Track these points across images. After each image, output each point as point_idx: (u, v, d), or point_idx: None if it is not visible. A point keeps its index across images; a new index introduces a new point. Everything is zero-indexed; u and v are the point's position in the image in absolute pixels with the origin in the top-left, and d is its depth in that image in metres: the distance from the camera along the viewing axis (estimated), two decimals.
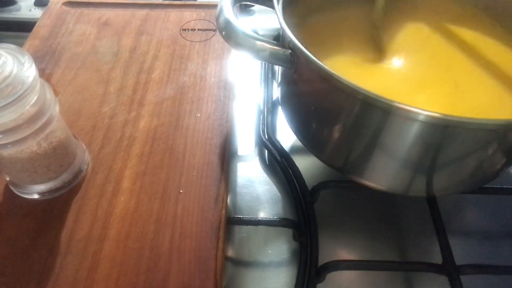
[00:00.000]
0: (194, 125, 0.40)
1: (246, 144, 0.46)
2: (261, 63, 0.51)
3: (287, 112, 0.39)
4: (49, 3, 0.53)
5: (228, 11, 0.33)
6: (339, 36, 0.40)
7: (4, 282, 0.30)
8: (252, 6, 0.61)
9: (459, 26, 0.42)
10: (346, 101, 0.29)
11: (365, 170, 0.33)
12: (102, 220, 0.33)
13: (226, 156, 0.38)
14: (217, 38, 0.49)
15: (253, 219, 0.37)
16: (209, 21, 0.52)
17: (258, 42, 0.31)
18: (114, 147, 0.38)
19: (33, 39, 0.48)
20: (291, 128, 0.39)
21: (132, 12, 0.52)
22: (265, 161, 0.44)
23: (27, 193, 0.35)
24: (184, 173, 0.37)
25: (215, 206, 0.34)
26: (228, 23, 0.32)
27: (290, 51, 0.31)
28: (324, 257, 0.35)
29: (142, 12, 0.52)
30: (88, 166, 0.37)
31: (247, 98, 0.49)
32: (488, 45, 0.40)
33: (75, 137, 0.37)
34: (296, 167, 0.40)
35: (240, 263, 0.37)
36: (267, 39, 0.32)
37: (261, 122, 0.45)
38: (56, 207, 0.34)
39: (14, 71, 0.27)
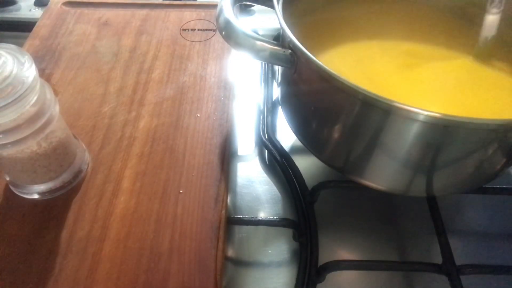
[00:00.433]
0: (194, 125, 0.40)
1: (246, 144, 0.46)
2: (261, 63, 0.51)
3: (287, 112, 0.39)
4: (49, 3, 0.53)
5: (228, 11, 0.33)
6: (339, 36, 0.40)
7: (4, 282, 0.30)
8: (252, 6, 0.61)
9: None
10: (346, 101, 0.29)
11: (365, 170, 0.33)
12: (102, 220, 0.33)
13: (226, 156, 0.38)
14: (217, 38, 0.49)
15: (253, 219, 0.37)
16: (209, 21, 0.52)
17: (258, 42, 0.31)
18: (114, 147, 0.38)
19: (33, 39, 0.48)
20: (291, 128, 0.39)
21: (132, 12, 0.52)
22: (265, 161, 0.44)
23: (27, 193, 0.35)
24: (184, 173, 0.36)
25: (215, 206, 0.34)
26: (228, 23, 0.32)
27: (290, 51, 0.31)
28: (324, 257, 0.35)
29: (142, 12, 0.52)
30: (88, 166, 0.37)
31: (247, 98, 0.49)
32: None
33: (75, 137, 0.37)
34: (296, 167, 0.40)
35: (240, 263, 0.37)
36: (267, 39, 0.32)
37: (261, 122, 0.45)
38: (56, 207, 0.34)
39: (14, 71, 0.27)
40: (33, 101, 0.29)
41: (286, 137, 0.45)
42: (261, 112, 0.46)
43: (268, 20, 0.59)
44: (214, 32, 0.50)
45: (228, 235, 0.37)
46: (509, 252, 0.38)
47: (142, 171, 0.37)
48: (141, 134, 0.39)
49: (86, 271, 0.31)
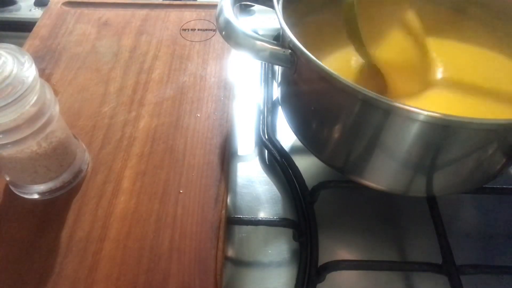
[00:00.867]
0: (194, 125, 0.40)
1: (246, 144, 0.46)
2: (261, 63, 0.51)
3: (287, 112, 0.39)
4: (49, 3, 0.53)
5: (228, 11, 0.33)
6: (339, 36, 0.40)
7: (4, 282, 0.30)
8: (252, 6, 0.61)
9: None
10: (346, 101, 0.29)
11: (365, 170, 0.33)
12: (102, 220, 0.33)
13: (226, 156, 0.38)
14: (217, 38, 0.49)
15: (253, 219, 0.37)
16: (209, 21, 0.52)
17: (258, 42, 0.31)
18: (114, 147, 0.38)
19: (33, 39, 0.48)
20: (291, 128, 0.39)
21: (132, 12, 0.52)
22: (265, 161, 0.44)
23: (27, 193, 0.35)
24: (184, 173, 0.36)
25: (215, 206, 0.34)
26: (228, 23, 0.32)
27: (290, 51, 0.31)
28: (324, 257, 0.35)
29: (142, 12, 0.52)
30: (88, 166, 0.37)
31: (247, 98, 0.49)
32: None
33: (75, 137, 0.37)
34: (296, 167, 0.40)
35: (240, 263, 0.37)
36: (267, 39, 0.32)
37: (261, 122, 0.45)
38: (56, 207, 0.34)
39: (14, 71, 0.27)
40: (33, 101, 0.29)
41: (286, 137, 0.45)
42: (261, 112, 0.46)
43: (268, 20, 0.59)
44: (214, 32, 0.50)
45: (228, 235, 0.37)
46: (509, 252, 0.38)
47: (142, 171, 0.37)
48: (141, 134, 0.39)
49: (86, 271, 0.31)
